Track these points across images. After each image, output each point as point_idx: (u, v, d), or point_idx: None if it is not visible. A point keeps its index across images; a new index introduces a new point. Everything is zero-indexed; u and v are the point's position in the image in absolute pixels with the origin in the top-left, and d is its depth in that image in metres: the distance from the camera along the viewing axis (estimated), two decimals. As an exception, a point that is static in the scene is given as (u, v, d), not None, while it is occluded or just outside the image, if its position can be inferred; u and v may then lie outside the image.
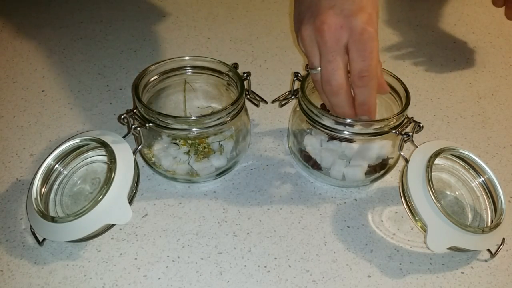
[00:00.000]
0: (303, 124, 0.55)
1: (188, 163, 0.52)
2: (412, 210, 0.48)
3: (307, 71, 0.49)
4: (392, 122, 0.48)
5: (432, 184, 0.45)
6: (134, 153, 0.48)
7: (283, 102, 0.56)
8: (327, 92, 0.46)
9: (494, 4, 0.71)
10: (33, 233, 0.46)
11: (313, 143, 0.54)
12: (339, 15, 0.43)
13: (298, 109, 0.52)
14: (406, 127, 0.50)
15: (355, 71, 0.44)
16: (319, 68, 0.46)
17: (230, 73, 0.54)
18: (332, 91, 0.45)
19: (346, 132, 0.48)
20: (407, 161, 0.49)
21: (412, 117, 0.50)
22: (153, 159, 0.53)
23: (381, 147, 0.53)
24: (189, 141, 0.54)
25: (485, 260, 0.47)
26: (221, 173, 0.54)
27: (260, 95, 0.56)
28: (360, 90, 0.45)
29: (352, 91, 0.46)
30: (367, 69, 0.43)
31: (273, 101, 0.58)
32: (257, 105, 0.57)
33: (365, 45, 0.43)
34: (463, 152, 0.49)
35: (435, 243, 0.44)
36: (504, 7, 0.70)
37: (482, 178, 0.50)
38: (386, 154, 0.53)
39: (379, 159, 0.53)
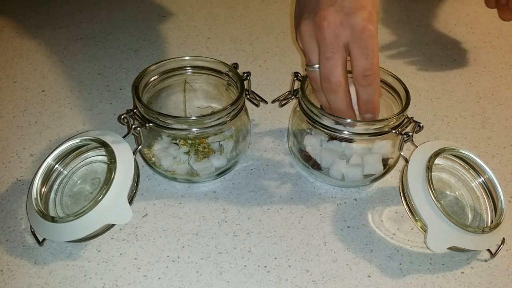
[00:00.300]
0: (303, 124, 0.55)
1: (188, 163, 0.52)
2: (412, 210, 0.48)
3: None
4: (392, 122, 0.48)
5: (432, 184, 0.45)
6: (134, 153, 0.48)
7: (283, 102, 0.56)
8: (326, 89, 0.46)
9: (487, 5, 0.72)
10: (33, 233, 0.46)
11: (313, 143, 0.54)
12: (340, 12, 0.42)
13: (298, 109, 0.52)
14: (406, 127, 0.50)
15: (358, 70, 0.44)
16: (317, 66, 0.46)
17: (230, 73, 0.54)
18: (330, 89, 0.45)
19: (346, 132, 0.48)
20: (407, 161, 0.49)
21: (412, 117, 0.50)
22: (153, 159, 0.53)
23: (381, 147, 0.53)
24: (189, 141, 0.54)
25: (485, 260, 0.47)
26: (221, 173, 0.54)
27: (260, 95, 0.56)
28: (364, 89, 0.45)
29: (351, 90, 0.46)
30: (370, 67, 0.43)
31: (273, 101, 0.58)
32: (257, 105, 0.57)
33: (366, 43, 0.42)
34: (463, 152, 0.49)
35: (435, 243, 0.44)
36: (497, 8, 0.71)
37: (482, 178, 0.50)
38: (386, 154, 0.53)
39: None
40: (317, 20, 0.43)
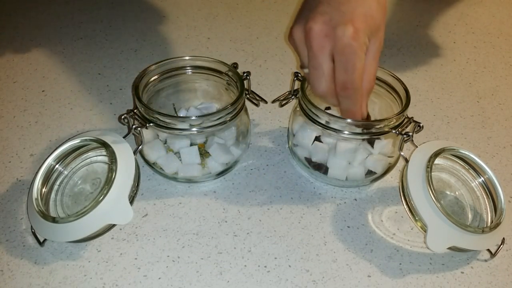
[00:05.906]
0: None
1: (188, 163, 0.52)
2: (412, 210, 0.48)
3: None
4: (392, 122, 0.48)
5: (432, 184, 0.45)
6: (135, 153, 0.48)
7: (283, 102, 0.56)
8: (314, 93, 0.47)
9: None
10: (34, 234, 0.46)
11: (322, 150, 0.54)
12: (327, 24, 0.43)
13: (298, 109, 0.53)
14: (406, 127, 0.50)
15: (338, 81, 0.44)
16: (306, 70, 0.46)
17: (230, 73, 0.54)
18: (317, 94, 0.46)
19: (346, 132, 0.48)
20: (407, 161, 0.49)
21: (412, 117, 0.50)
22: (153, 159, 0.53)
23: (381, 147, 0.53)
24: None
25: (485, 260, 0.47)
26: (221, 173, 0.54)
27: (260, 95, 0.56)
28: (343, 99, 0.45)
29: None
30: (350, 82, 0.43)
31: (273, 101, 0.58)
32: (257, 105, 0.57)
33: (347, 58, 0.42)
34: (463, 152, 0.49)
35: (435, 243, 0.44)
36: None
37: (482, 178, 0.50)
38: (386, 154, 0.53)
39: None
40: (306, 28, 0.43)
